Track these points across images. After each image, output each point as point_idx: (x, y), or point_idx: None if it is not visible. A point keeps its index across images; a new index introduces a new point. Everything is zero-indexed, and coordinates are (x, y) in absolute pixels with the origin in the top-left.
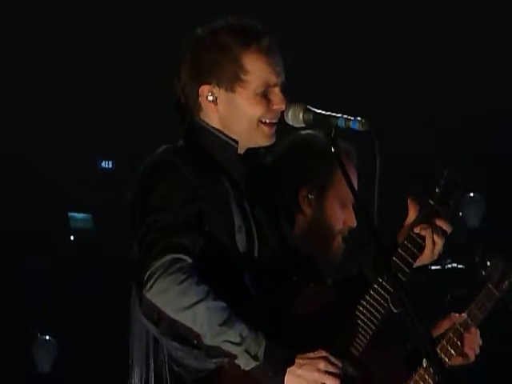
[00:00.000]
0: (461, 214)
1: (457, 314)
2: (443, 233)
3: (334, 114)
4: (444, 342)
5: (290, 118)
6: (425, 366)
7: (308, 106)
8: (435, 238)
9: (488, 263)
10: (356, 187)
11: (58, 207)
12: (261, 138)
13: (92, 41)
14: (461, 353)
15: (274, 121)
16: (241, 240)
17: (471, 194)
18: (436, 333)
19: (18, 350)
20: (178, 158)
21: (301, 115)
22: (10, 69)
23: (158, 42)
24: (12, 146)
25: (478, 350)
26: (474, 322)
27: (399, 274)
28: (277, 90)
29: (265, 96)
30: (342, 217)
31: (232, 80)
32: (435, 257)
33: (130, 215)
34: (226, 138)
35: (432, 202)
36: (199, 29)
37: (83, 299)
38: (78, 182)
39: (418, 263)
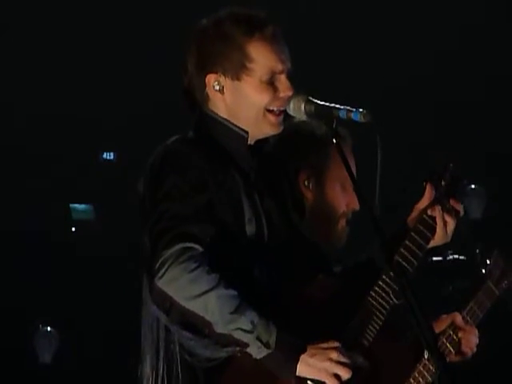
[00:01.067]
0: (463, 205)
1: (457, 313)
2: (455, 213)
3: (335, 106)
4: (443, 340)
5: (291, 109)
6: (426, 357)
7: (310, 97)
8: (446, 217)
9: (488, 261)
10: (354, 171)
11: (59, 198)
12: (268, 127)
13: (93, 33)
14: (458, 351)
15: (281, 108)
16: (251, 230)
17: (473, 186)
18: (437, 329)
19: (19, 341)
20: (188, 149)
21: (302, 106)
22: (11, 60)
23: (159, 33)
24: (13, 137)
25: (475, 349)
26: (473, 319)
27: (412, 258)
28: (283, 77)
29: (271, 84)
30: (344, 199)
31: (237, 68)
32: (448, 238)
33: (140, 206)
34: (235, 128)
35: (438, 195)
36: (204, 19)
37: (85, 290)
38: (79, 174)
39: (431, 245)
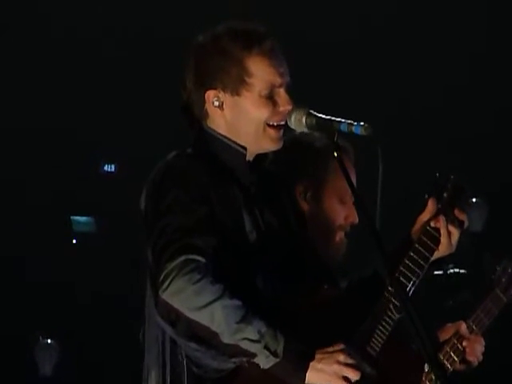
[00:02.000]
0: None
1: (462, 322)
2: (459, 224)
3: (336, 119)
4: (447, 349)
5: (292, 123)
6: (426, 370)
7: (311, 111)
8: (451, 228)
9: (497, 268)
10: (355, 185)
11: (60, 210)
12: (269, 142)
13: (94, 45)
14: (464, 359)
15: (281, 123)
16: (252, 242)
17: (474, 199)
18: (441, 338)
19: (19, 353)
20: (189, 163)
21: (304, 119)
22: (11, 71)
23: (160, 46)
24: (14, 147)
25: (480, 357)
26: (479, 327)
27: (417, 269)
28: (282, 91)
29: (270, 98)
30: (343, 212)
31: (237, 84)
32: (453, 249)
33: (143, 221)
34: (234, 145)
35: (440, 206)
36: (201, 35)
37: (85, 302)
38: (80, 186)
39: (435, 256)
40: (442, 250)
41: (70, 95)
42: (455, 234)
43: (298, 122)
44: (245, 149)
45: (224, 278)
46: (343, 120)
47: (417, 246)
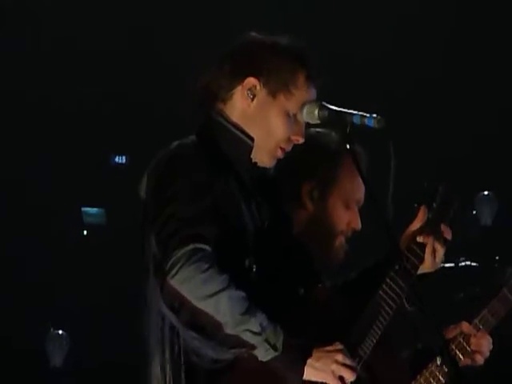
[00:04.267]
0: (474, 212)
1: (464, 322)
2: (444, 241)
3: (349, 111)
4: (453, 347)
5: (304, 115)
6: (438, 363)
7: (323, 103)
8: (436, 245)
9: (507, 269)
10: (362, 193)
11: (71, 202)
12: (269, 160)
13: (106, 38)
14: (470, 357)
15: (288, 149)
16: (248, 236)
17: (485, 193)
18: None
19: (30, 344)
20: (191, 153)
21: (316, 112)
22: (21, 61)
23: (173, 34)
24: (26, 139)
25: (487, 354)
26: (485, 327)
27: (402, 283)
28: (302, 121)
29: (291, 119)
30: (346, 217)
31: (280, 86)
32: (438, 265)
33: (143, 210)
34: (242, 136)
35: (430, 215)
36: (256, 34)
37: (96, 293)
38: (91, 177)
39: (420, 271)
40: (426, 267)
41: (82, 86)
42: (440, 251)
43: (311, 115)
44: (252, 140)
45: (224, 268)
46: (356, 112)
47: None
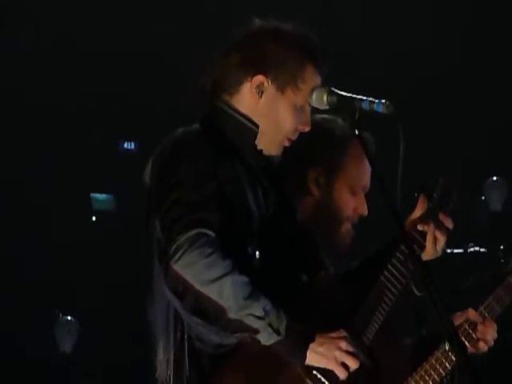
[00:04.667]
0: (483, 197)
1: (470, 309)
2: (446, 230)
3: (358, 97)
4: (459, 334)
5: (313, 100)
6: (446, 349)
7: (332, 88)
8: (437, 234)
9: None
10: (369, 179)
11: (80, 188)
12: (275, 148)
13: (114, 29)
14: (474, 344)
15: (294, 138)
16: (253, 222)
17: (494, 178)
18: None
19: (39, 330)
20: (197, 139)
21: (325, 97)
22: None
23: (181, 21)
24: (35, 125)
25: (492, 343)
26: (491, 314)
27: (404, 271)
28: (308, 109)
29: (299, 111)
30: (352, 203)
31: (288, 82)
32: (439, 253)
33: (147, 195)
34: (247, 123)
35: (431, 205)
36: (261, 22)
37: (105, 280)
38: (100, 163)
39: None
40: (427, 255)
41: (91, 73)
42: (441, 240)
43: (320, 100)
44: (257, 126)
45: (227, 254)
46: (364, 97)
47: (402, 248)
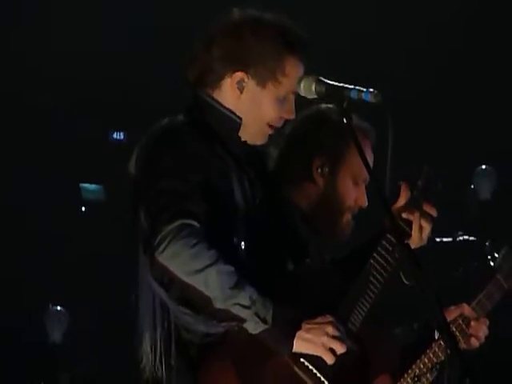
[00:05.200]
0: (472, 186)
1: (465, 304)
2: (431, 218)
3: (346, 86)
4: (453, 328)
5: (302, 89)
6: (436, 337)
7: (320, 78)
8: (423, 222)
9: (496, 254)
10: (371, 167)
11: (69, 177)
12: (260, 138)
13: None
14: (467, 340)
15: (278, 126)
16: (239, 213)
17: (483, 167)
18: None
19: (29, 320)
20: (182, 129)
21: (313, 86)
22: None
23: (174, 15)
24: (25, 116)
25: (483, 339)
26: (482, 311)
27: (390, 259)
28: (292, 98)
29: (282, 101)
30: (354, 193)
31: (268, 76)
32: (424, 242)
33: (133, 186)
34: (230, 114)
35: (415, 193)
36: (241, 12)
37: (95, 269)
38: (89, 154)
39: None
40: (412, 243)
41: (79, 62)
42: (426, 228)
43: (308, 90)
44: (240, 119)
45: (212, 244)
46: (353, 86)
47: (389, 236)
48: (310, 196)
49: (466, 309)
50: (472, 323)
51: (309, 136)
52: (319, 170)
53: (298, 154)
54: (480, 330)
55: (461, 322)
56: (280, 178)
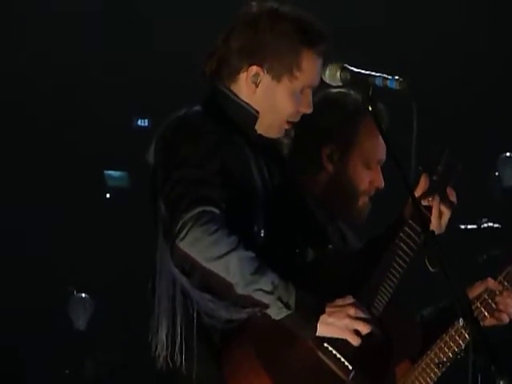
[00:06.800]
0: (497, 173)
1: (490, 278)
2: (450, 204)
3: (371, 73)
4: (478, 304)
5: (327, 77)
6: (461, 324)
7: (345, 65)
8: (442, 208)
9: None
10: (384, 153)
11: (93, 165)
12: (276, 132)
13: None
14: (494, 315)
15: (296, 120)
16: (258, 199)
17: (508, 154)
18: (471, 295)
19: (53, 307)
20: (200, 119)
21: (338, 74)
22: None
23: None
24: (48, 105)
25: None
26: (510, 283)
27: (412, 244)
28: (309, 92)
29: (299, 95)
30: (367, 177)
31: (283, 71)
32: (443, 228)
33: (152, 175)
34: (248, 107)
35: (435, 178)
36: (259, 4)
37: (120, 257)
38: (114, 140)
39: None
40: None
41: (104, 50)
42: (446, 214)
43: (333, 77)
44: (257, 112)
45: (232, 231)
46: (378, 74)
47: (411, 222)
48: (321, 182)
49: (492, 282)
50: (498, 298)
51: (316, 123)
52: (328, 158)
53: (307, 142)
54: (508, 304)
55: (486, 296)
56: (293, 167)
